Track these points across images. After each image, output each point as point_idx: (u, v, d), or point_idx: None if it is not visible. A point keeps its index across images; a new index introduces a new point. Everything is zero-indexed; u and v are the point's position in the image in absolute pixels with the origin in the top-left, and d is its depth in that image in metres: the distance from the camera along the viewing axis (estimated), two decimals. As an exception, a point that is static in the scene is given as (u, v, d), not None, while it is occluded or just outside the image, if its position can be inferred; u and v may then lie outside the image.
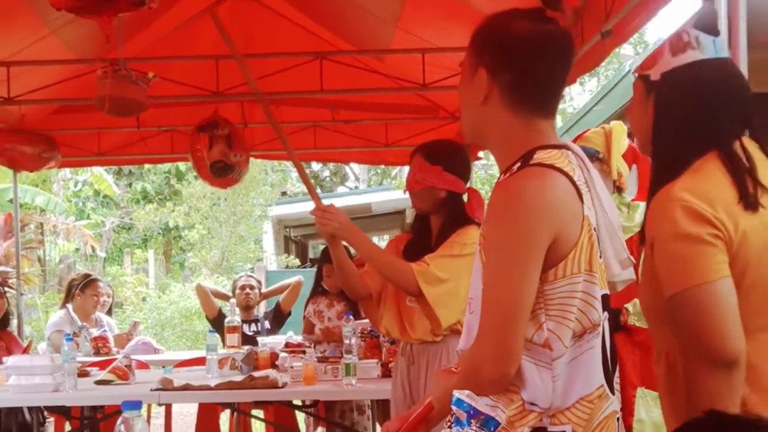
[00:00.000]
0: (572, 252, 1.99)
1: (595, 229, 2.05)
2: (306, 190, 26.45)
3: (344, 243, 3.89)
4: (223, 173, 7.43)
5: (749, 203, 2.19)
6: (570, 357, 1.99)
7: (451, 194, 3.87)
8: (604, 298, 2.06)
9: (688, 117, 2.32)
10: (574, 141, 4.35)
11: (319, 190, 27.49)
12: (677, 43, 2.35)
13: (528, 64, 2.12)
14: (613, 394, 2.06)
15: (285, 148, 4.24)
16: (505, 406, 1.99)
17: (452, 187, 3.86)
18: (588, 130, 4.60)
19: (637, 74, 2.49)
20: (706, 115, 2.30)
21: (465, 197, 3.94)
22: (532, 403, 1.98)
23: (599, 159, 4.31)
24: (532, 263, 1.95)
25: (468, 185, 3.99)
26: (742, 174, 2.22)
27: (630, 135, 2.80)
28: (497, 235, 2.02)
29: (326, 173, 31.39)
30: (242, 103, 7.82)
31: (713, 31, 2.37)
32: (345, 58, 6.93)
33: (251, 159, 7.95)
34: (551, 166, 2.02)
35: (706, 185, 2.22)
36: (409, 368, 3.95)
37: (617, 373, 2.12)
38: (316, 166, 29.82)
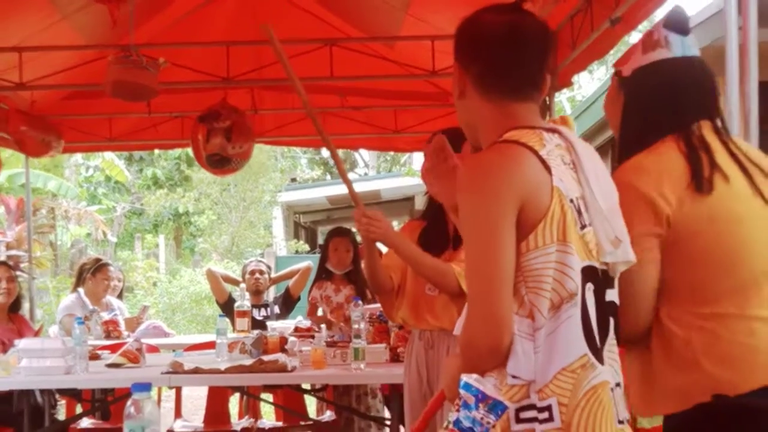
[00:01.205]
0: (542, 222, 2.02)
1: (572, 201, 2.07)
2: (320, 175, 26.34)
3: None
4: (219, 165, 7.48)
5: (699, 184, 2.29)
6: (550, 329, 2.01)
7: None
8: (588, 270, 2.07)
9: (653, 108, 2.43)
10: None
11: (328, 177, 27.51)
12: (648, 41, 2.46)
13: (494, 52, 2.20)
14: (602, 364, 2.07)
15: (328, 147, 4.17)
16: (501, 386, 2.03)
17: None
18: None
19: (613, 71, 2.60)
20: (669, 105, 2.41)
21: None
22: (515, 376, 2.01)
23: None
24: (503, 229, 2.00)
25: None
26: (697, 154, 2.33)
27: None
28: (465, 208, 2.07)
29: (336, 159, 31.35)
30: (252, 90, 7.84)
31: (683, 31, 2.46)
32: (355, 45, 6.94)
33: (261, 145, 7.97)
34: (515, 142, 2.08)
35: (657, 161, 2.34)
36: (428, 352, 3.96)
37: (612, 345, 2.14)
38: (326, 152, 29.80)
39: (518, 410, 2.00)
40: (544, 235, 2.02)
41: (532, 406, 2.00)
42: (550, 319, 2.02)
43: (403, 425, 4.55)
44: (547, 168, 2.05)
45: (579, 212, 2.09)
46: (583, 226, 2.09)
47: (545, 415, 1.99)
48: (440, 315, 3.90)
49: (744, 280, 2.31)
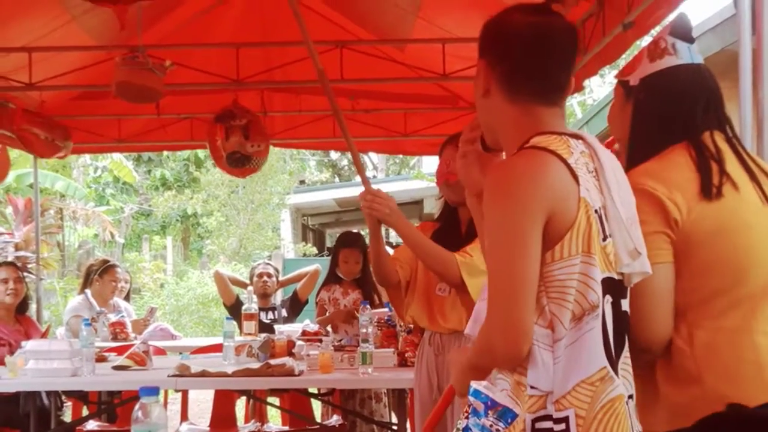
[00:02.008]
0: (569, 233, 2.01)
1: (596, 211, 2.06)
2: (329, 178, 26.37)
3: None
4: (239, 164, 7.44)
5: (708, 191, 2.27)
6: (570, 340, 2.00)
7: None
8: (607, 281, 2.06)
9: (662, 116, 2.41)
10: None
11: (337, 179, 27.54)
12: (655, 49, 2.44)
13: (522, 53, 2.17)
14: (619, 375, 2.05)
15: (343, 132, 4.18)
16: (516, 396, 2.01)
17: None
18: None
19: (617, 79, 2.57)
20: (680, 114, 2.39)
21: None
22: (533, 387, 1.99)
23: None
24: (530, 238, 1.98)
25: None
26: (707, 162, 2.31)
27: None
28: (492, 215, 2.05)
29: (345, 162, 31.39)
30: (262, 92, 7.83)
31: (688, 39, 2.45)
32: (365, 48, 6.92)
33: (270, 147, 7.95)
34: (544, 149, 2.05)
35: (667, 168, 2.31)
36: (437, 358, 3.92)
37: (626, 358, 2.11)
38: (334, 155, 29.87)
39: (534, 420, 1.99)
40: (570, 246, 2.00)
41: (548, 417, 1.99)
42: (571, 330, 2.00)
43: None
44: (575, 177, 2.04)
45: (601, 222, 2.07)
46: (605, 237, 2.07)
47: (561, 426, 1.97)
48: (449, 316, 3.87)
49: (750, 292, 2.28)
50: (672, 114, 2.40)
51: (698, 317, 2.27)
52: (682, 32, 2.45)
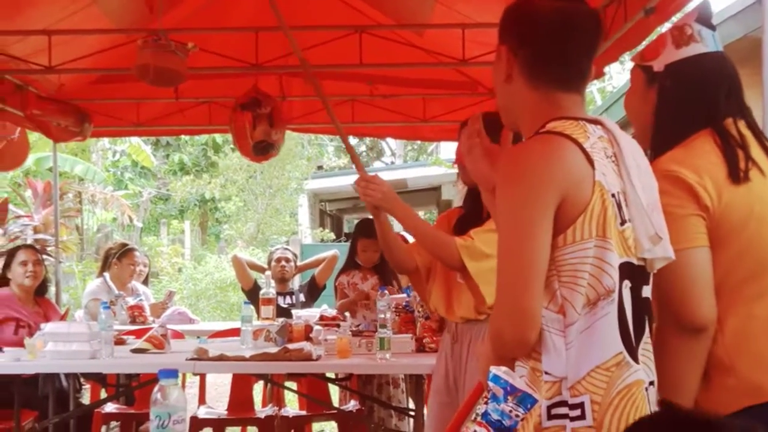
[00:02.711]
0: (582, 216, 2.00)
1: (614, 195, 2.04)
2: (347, 164, 26.40)
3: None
4: (265, 152, 7.44)
5: (736, 175, 2.27)
6: (584, 325, 1.99)
7: None
8: (626, 266, 2.04)
9: (689, 102, 2.40)
10: None
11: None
12: (680, 36, 2.43)
13: (545, 39, 2.16)
14: (637, 362, 2.03)
15: (331, 118, 4.16)
16: (533, 382, 2.01)
17: None
18: None
19: (636, 64, 2.56)
20: (705, 101, 2.39)
21: None
22: (548, 372, 1.99)
23: None
24: (540, 223, 1.97)
25: None
26: (733, 148, 2.31)
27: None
28: (503, 199, 2.05)
29: (362, 148, 31.39)
30: (281, 76, 7.81)
31: (711, 26, 2.45)
32: (384, 33, 6.90)
33: (288, 132, 7.94)
34: (559, 133, 2.05)
35: (694, 156, 2.30)
36: (453, 346, 3.91)
37: (647, 342, 2.10)
38: (353, 140, 29.81)
39: (550, 407, 1.98)
40: (582, 229, 1.99)
41: (563, 403, 1.98)
42: (585, 315, 1.99)
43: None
44: (590, 161, 2.02)
45: (619, 207, 2.06)
46: (623, 222, 2.06)
47: (577, 412, 1.97)
48: (463, 303, 3.83)
49: None
50: (697, 101, 2.39)
51: (729, 305, 2.26)
52: (706, 19, 2.45)
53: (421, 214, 22.99)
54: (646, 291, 2.12)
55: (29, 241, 11.39)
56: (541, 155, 2.02)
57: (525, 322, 1.97)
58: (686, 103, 2.40)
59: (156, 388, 2.15)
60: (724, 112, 2.38)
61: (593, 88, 23.08)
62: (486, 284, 3.64)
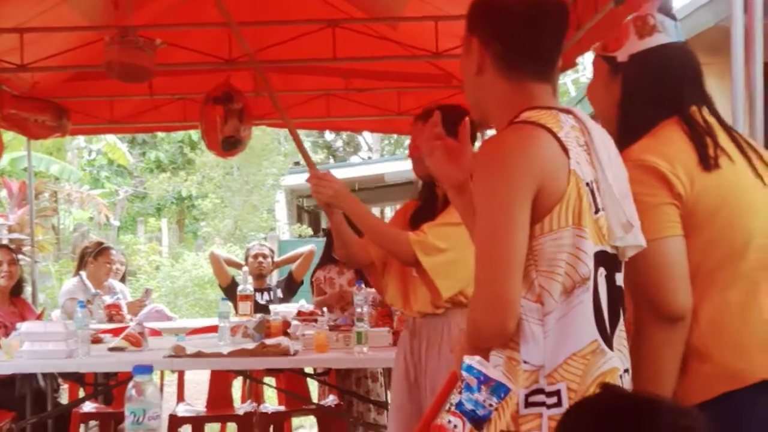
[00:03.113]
0: (558, 205, 2.01)
1: (588, 184, 2.06)
2: (324, 159, 26.30)
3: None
4: (232, 147, 7.42)
5: (707, 163, 2.28)
6: (560, 313, 2.00)
7: None
8: (601, 254, 2.06)
9: (655, 91, 2.42)
10: None
11: (331, 161, 27.48)
12: (643, 26, 2.44)
13: (517, 31, 2.17)
14: (612, 350, 2.05)
15: (280, 114, 4.15)
16: (509, 371, 2.02)
17: None
18: None
19: (598, 54, 2.57)
20: (669, 89, 2.41)
21: None
22: (526, 361, 2.00)
23: None
24: (518, 212, 1.98)
25: None
26: (701, 135, 2.33)
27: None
28: (481, 189, 2.06)
29: (339, 143, 31.35)
30: (254, 71, 7.78)
31: (672, 17, 2.48)
32: (358, 26, 6.89)
33: (264, 128, 7.93)
34: (533, 123, 2.06)
35: (664, 144, 2.32)
36: (412, 341, 3.88)
37: (621, 330, 2.11)
38: (329, 135, 29.81)
39: (528, 395, 1.99)
40: (559, 218, 2.01)
41: (540, 391, 1.99)
42: (561, 303, 2.00)
43: None
44: (565, 150, 2.04)
45: (593, 196, 2.07)
46: (597, 210, 2.07)
47: (554, 399, 1.98)
48: (419, 297, 3.80)
49: (752, 265, 2.29)
50: (662, 90, 2.41)
51: (703, 292, 2.27)
52: (668, 10, 2.48)
53: (399, 207, 22.97)
54: (619, 279, 2.14)
55: (4, 241, 11.32)
56: (518, 145, 2.03)
57: (504, 312, 1.97)
58: (651, 93, 2.42)
59: (131, 385, 2.14)
60: (689, 100, 2.40)
61: (567, 80, 23.15)
62: (441, 278, 3.63)
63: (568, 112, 2.16)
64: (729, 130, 2.42)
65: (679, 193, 2.25)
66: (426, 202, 3.94)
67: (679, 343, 2.25)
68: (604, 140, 2.16)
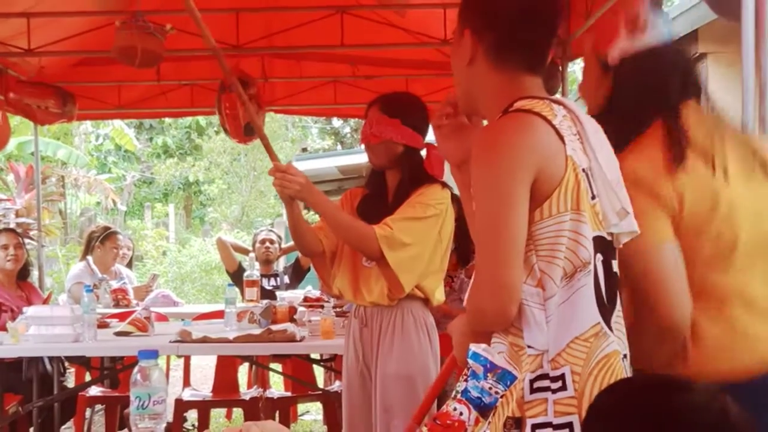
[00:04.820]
0: (557, 190, 2.02)
1: (584, 170, 2.07)
2: (331, 146, 26.29)
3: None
4: (252, 133, 7.40)
5: (680, 165, 2.27)
6: (562, 298, 2.01)
7: (409, 149, 3.72)
8: (598, 239, 2.07)
9: (645, 92, 2.40)
10: None
11: (339, 147, 27.47)
12: (634, 25, 2.42)
13: (511, 23, 2.16)
14: (613, 333, 2.05)
15: (245, 106, 4.09)
16: (512, 358, 2.03)
17: (410, 142, 3.71)
18: None
19: (589, 48, 2.55)
20: (660, 90, 2.39)
21: (423, 153, 3.74)
22: (530, 346, 2.01)
23: None
24: (518, 197, 1.98)
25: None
26: (679, 140, 2.31)
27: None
28: (479, 176, 2.06)
29: (347, 130, 31.31)
30: (263, 57, 7.79)
31: (659, 7, 2.55)
32: (366, 13, 6.88)
33: (271, 114, 7.93)
34: (528, 111, 2.06)
35: (650, 152, 2.31)
36: (362, 330, 3.80)
37: (618, 315, 2.12)
38: (337, 122, 29.79)
39: (532, 380, 2.00)
40: (558, 203, 2.01)
41: (545, 376, 2.00)
42: (563, 287, 2.01)
43: None
44: (561, 137, 2.05)
45: (589, 182, 2.08)
46: (593, 196, 2.09)
47: (558, 384, 1.99)
48: (373, 289, 3.73)
49: (733, 267, 2.30)
50: (653, 92, 2.39)
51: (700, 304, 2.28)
52: (656, 5, 2.49)
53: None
54: (615, 266, 2.14)
55: (11, 225, 11.34)
56: (515, 132, 2.03)
57: (506, 296, 1.98)
58: (643, 93, 2.40)
59: (136, 369, 2.15)
60: (677, 99, 2.39)
61: (576, 68, 23.04)
62: (405, 273, 3.60)
63: (558, 102, 2.17)
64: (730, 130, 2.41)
65: (669, 203, 2.26)
66: (376, 191, 3.86)
67: (675, 350, 2.28)
68: (594, 129, 2.17)
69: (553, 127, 2.05)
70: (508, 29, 2.16)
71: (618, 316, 2.11)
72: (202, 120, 21.08)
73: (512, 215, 1.98)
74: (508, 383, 1.98)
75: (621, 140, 2.36)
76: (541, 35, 2.20)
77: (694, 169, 2.28)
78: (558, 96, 2.22)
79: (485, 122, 2.30)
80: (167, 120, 21.63)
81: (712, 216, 2.27)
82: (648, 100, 2.39)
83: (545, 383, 2.00)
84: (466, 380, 2.02)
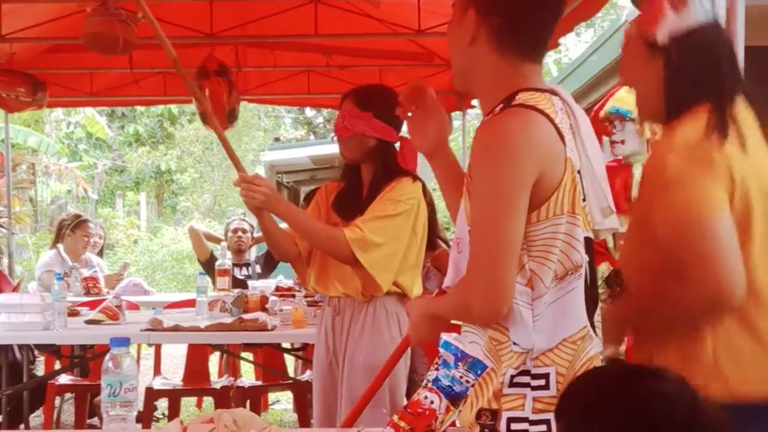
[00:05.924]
0: (555, 193, 2.02)
1: (578, 171, 2.08)
2: (304, 135, 26.20)
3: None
4: (234, 119, 7.38)
5: (722, 139, 2.25)
6: (552, 298, 2.03)
7: (381, 143, 3.68)
8: (587, 241, 2.09)
9: (696, 75, 2.37)
10: (605, 100, 4.30)
11: (311, 137, 27.42)
12: (678, 1, 2.37)
13: (518, 8, 2.15)
14: (596, 334, 2.08)
15: (210, 116, 4.07)
16: (489, 351, 2.05)
17: (383, 135, 3.67)
18: (617, 89, 4.40)
19: (631, 30, 2.50)
20: (714, 66, 2.37)
21: (397, 146, 3.70)
22: (516, 343, 2.03)
23: (632, 119, 4.18)
24: (518, 199, 1.99)
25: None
26: (725, 124, 2.28)
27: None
28: (482, 173, 2.05)
29: (320, 120, 31.24)
30: (236, 46, 7.75)
31: None
32: (340, 3, 6.86)
33: (245, 103, 7.89)
34: (533, 108, 2.05)
35: (702, 126, 2.28)
36: (334, 318, 3.79)
37: (598, 315, 2.14)
38: (309, 112, 29.72)
39: (513, 375, 2.01)
40: (556, 206, 2.03)
41: (526, 372, 2.02)
42: (553, 289, 2.03)
43: None
44: (562, 137, 2.05)
45: (582, 184, 2.09)
46: (584, 198, 2.10)
47: (541, 382, 2.01)
48: (348, 282, 3.71)
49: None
50: (704, 73, 2.37)
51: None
52: None
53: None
54: (593, 263, 2.15)
55: (-19, 213, 11.25)
56: (521, 132, 2.02)
57: (499, 295, 1.99)
58: (694, 76, 2.38)
59: (107, 357, 2.15)
60: (728, 83, 2.37)
61: (549, 60, 23.15)
62: (381, 272, 3.58)
63: (554, 93, 2.17)
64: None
65: (726, 178, 2.22)
66: (351, 185, 3.83)
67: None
68: (586, 122, 2.18)
69: (555, 126, 2.04)
70: (515, 15, 2.15)
71: (597, 314, 2.13)
72: (174, 108, 20.94)
73: (512, 217, 1.98)
74: (479, 372, 1.99)
75: (676, 112, 2.36)
76: (546, 24, 2.19)
77: (740, 150, 2.27)
78: (553, 86, 2.21)
79: (475, 101, 2.30)
80: (139, 108, 21.45)
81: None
82: (703, 77, 2.37)
83: (525, 379, 2.02)
84: (437, 369, 2.03)
